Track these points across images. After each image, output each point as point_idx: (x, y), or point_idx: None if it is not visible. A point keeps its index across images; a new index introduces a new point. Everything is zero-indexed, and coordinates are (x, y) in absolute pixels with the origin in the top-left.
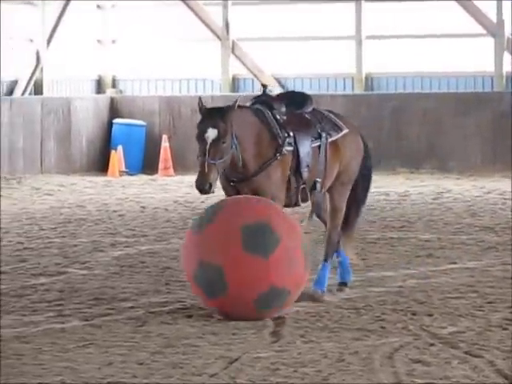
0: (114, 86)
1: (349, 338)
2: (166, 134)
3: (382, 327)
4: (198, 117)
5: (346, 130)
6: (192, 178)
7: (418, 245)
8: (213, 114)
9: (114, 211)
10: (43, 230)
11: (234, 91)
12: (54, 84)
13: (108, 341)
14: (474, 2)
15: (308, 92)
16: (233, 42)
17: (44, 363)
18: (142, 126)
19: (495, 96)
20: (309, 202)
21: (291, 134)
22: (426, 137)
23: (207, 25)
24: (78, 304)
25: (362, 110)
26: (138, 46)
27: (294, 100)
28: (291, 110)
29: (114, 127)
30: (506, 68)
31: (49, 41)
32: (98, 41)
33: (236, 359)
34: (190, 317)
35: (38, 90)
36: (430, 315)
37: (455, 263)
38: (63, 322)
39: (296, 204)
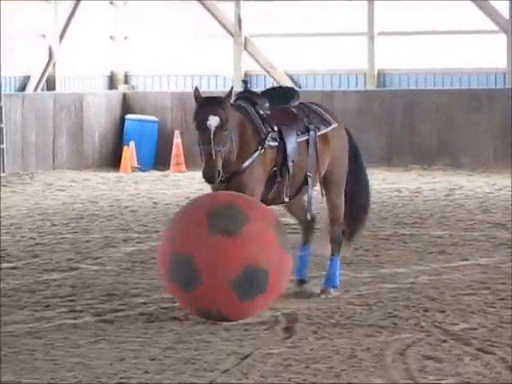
0: (126, 81)
1: (361, 334)
2: (178, 130)
3: (394, 323)
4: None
5: (335, 124)
6: None
7: (430, 241)
8: (211, 103)
9: (126, 207)
10: (55, 225)
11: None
12: (66, 80)
13: (120, 336)
14: None
15: (321, 88)
16: (245, 38)
17: (56, 359)
18: (154, 121)
19: (508, 92)
20: (304, 198)
21: (275, 128)
22: (438, 133)
23: (219, 21)
24: (90, 300)
25: (375, 107)
26: (151, 42)
27: (279, 95)
28: (276, 104)
29: (127, 123)
30: None
31: (61, 37)
32: (111, 37)
33: (248, 355)
34: None
35: (50, 85)
36: (442, 312)
37: (467, 260)
38: (75, 318)
39: (282, 201)
